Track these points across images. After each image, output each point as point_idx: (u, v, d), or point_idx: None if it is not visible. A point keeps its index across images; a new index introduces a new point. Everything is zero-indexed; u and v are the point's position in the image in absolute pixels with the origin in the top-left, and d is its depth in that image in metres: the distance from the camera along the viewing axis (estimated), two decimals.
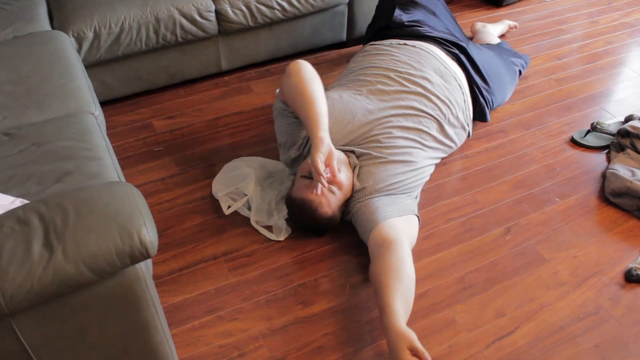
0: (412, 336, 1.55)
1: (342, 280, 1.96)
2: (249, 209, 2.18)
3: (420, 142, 2.13)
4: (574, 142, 2.52)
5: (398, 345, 1.54)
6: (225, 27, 2.73)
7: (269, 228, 2.13)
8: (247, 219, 2.16)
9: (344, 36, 3.15)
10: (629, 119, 2.52)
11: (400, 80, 2.18)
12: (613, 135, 2.47)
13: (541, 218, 2.17)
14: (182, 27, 2.61)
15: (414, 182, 2.10)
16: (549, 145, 2.51)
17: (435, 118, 2.17)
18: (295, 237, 2.10)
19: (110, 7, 2.49)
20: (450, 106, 2.23)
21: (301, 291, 1.92)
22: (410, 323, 1.81)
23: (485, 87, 2.42)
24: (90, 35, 2.45)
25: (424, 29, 2.44)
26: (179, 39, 2.65)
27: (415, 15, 2.52)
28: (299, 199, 1.98)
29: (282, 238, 2.09)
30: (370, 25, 2.76)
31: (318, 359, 1.72)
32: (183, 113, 2.72)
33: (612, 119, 2.63)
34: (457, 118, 2.27)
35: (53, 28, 2.46)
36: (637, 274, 1.92)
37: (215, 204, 2.23)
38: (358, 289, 1.93)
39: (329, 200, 1.96)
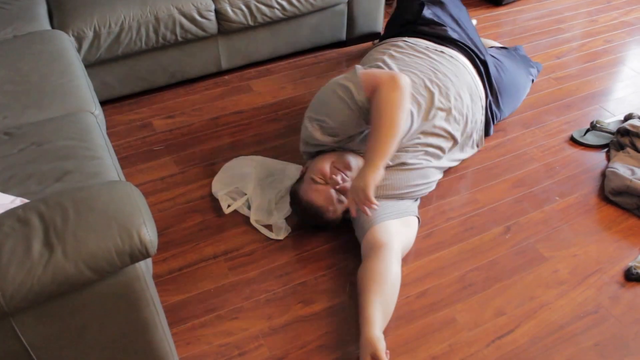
0: (379, 346, 1.60)
1: (342, 279, 1.96)
2: (249, 208, 2.18)
3: (436, 157, 2.16)
4: (573, 141, 2.52)
5: (364, 350, 1.62)
6: (225, 27, 2.73)
7: (268, 227, 2.13)
8: (247, 218, 2.16)
9: (343, 35, 3.15)
10: (628, 117, 2.52)
11: (439, 96, 2.14)
12: (612, 133, 2.47)
13: (541, 217, 2.17)
14: (181, 27, 2.61)
15: (421, 193, 2.14)
16: (549, 144, 2.51)
17: (454, 138, 2.19)
18: (295, 236, 2.10)
19: (110, 7, 2.49)
20: (471, 126, 2.25)
21: (301, 290, 1.92)
22: (410, 322, 1.81)
23: (495, 102, 2.43)
24: (90, 34, 2.45)
25: (451, 33, 2.39)
26: (179, 39, 2.65)
27: (442, 16, 2.47)
28: (306, 201, 1.98)
29: (281, 237, 2.09)
30: (392, 20, 2.66)
31: (318, 357, 1.72)
32: (183, 112, 2.72)
33: (611, 118, 2.63)
34: (471, 137, 2.31)
35: (53, 27, 2.46)
36: (637, 273, 1.92)
37: (215, 203, 2.24)
38: (358, 288, 1.93)
39: (336, 208, 1.98)
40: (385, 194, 2.02)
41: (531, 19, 3.47)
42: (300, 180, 2.06)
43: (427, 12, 2.45)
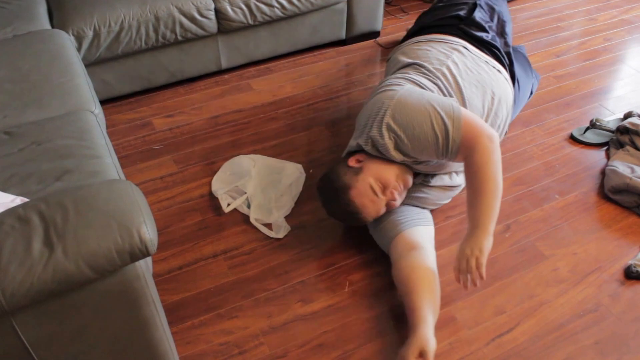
0: (431, 344, 1.62)
1: (342, 278, 1.96)
2: (249, 206, 2.18)
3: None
4: (573, 139, 2.52)
5: (414, 345, 1.61)
6: (225, 26, 2.73)
7: (268, 226, 2.13)
8: (247, 217, 2.16)
9: (343, 34, 3.15)
10: (627, 115, 2.52)
11: (490, 124, 2.12)
12: (612, 132, 2.47)
13: (540, 215, 2.17)
14: (181, 26, 2.61)
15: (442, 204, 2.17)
16: (548, 142, 2.51)
17: None
18: (295, 235, 2.10)
19: (109, 6, 2.49)
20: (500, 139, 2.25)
21: (301, 289, 1.93)
22: None
23: None
24: (90, 33, 2.45)
25: (491, 40, 2.30)
26: (179, 38, 2.65)
27: (489, 21, 2.37)
28: (357, 205, 1.87)
29: (281, 236, 2.09)
30: (436, 10, 2.48)
31: (318, 356, 1.73)
32: (183, 111, 2.72)
33: (611, 116, 2.63)
34: None
35: (53, 27, 2.46)
36: (637, 271, 1.92)
37: (214, 202, 2.24)
38: (357, 287, 1.93)
39: (377, 215, 1.95)
40: (416, 204, 2.04)
41: (531, 18, 3.46)
42: (349, 170, 1.91)
43: (477, 15, 2.35)
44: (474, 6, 2.38)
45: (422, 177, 2.04)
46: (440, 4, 2.52)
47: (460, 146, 1.80)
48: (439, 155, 1.85)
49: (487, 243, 1.70)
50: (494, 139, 1.80)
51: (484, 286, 1.91)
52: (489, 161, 1.76)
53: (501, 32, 2.38)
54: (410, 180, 1.94)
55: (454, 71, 2.08)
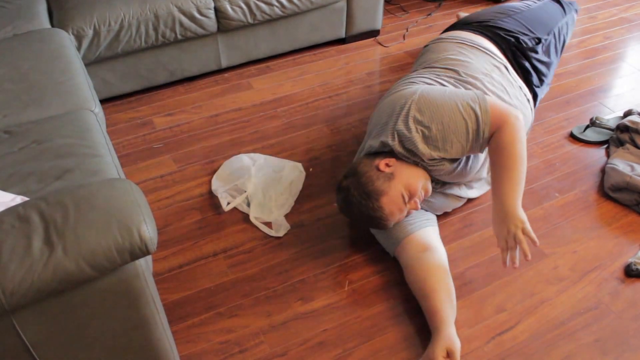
0: (457, 344, 1.66)
1: (341, 276, 1.96)
2: (248, 205, 2.18)
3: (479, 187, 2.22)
4: (573, 137, 2.52)
5: (439, 345, 1.65)
6: (225, 24, 2.73)
7: (268, 224, 2.13)
8: (246, 216, 2.16)
9: (342, 33, 3.15)
10: (627, 113, 2.52)
11: None
12: (612, 130, 2.47)
13: (540, 213, 2.17)
14: (181, 25, 2.61)
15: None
16: (548, 141, 2.51)
17: None
18: (294, 234, 2.10)
19: (109, 5, 2.49)
20: None
21: (300, 287, 1.93)
22: (411, 318, 1.81)
23: None
24: (89, 32, 2.45)
25: (532, 78, 2.29)
26: (179, 36, 2.65)
27: (538, 66, 2.33)
28: (386, 212, 1.82)
29: (281, 234, 2.09)
30: (508, 17, 2.42)
31: (319, 354, 1.73)
32: (183, 110, 2.73)
33: (611, 114, 2.63)
34: None
35: (53, 26, 2.46)
36: (637, 269, 1.92)
37: (214, 200, 2.24)
38: (357, 285, 1.93)
39: (397, 222, 1.94)
40: (423, 207, 2.05)
41: None
42: (381, 175, 1.83)
43: (534, 56, 2.31)
44: (538, 41, 2.36)
45: (433, 185, 2.04)
46: (514, 16, 2.44)
47: (490, 129, 1.80)
48: (469, 143, 1.82)
49: (523, 214, 1.69)
50: (520, 119, 1.81)
51: (484, 284, 1.92)
52: (516, 138, 1.77)
53: (542, 77, 2.37)
54: (430, 189, 1.93)
55: (487, 83, 2.06)
